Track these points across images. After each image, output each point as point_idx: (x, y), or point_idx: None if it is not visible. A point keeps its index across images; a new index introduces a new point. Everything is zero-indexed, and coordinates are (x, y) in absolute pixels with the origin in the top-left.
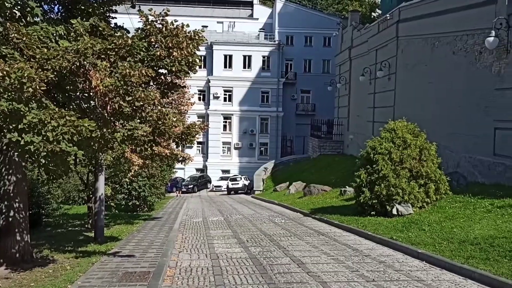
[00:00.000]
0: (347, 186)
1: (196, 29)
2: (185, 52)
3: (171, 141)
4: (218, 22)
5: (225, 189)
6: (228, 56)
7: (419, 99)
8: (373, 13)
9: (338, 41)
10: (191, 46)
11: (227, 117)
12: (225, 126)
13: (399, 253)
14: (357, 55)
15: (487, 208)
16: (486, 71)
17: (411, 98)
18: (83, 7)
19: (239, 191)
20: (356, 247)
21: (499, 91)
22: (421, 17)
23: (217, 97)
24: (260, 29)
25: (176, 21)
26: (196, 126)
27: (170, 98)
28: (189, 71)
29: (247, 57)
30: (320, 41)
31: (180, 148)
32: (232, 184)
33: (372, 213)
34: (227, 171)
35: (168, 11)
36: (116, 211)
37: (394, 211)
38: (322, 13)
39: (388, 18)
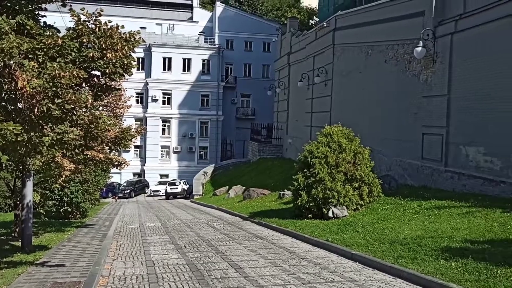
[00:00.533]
0: (285, 190)
1: (132, 31)
2: (120, 54)
3: (104, 145)
4: (157, 24)
5: (164, 194)
6: (167, 59)
7: (354, 105)
8: (311, 21)
9: (278, 47)
10: (126, 47)
11: (166, 121)
12: (164, 130)
13: (334, 254)
14: (296, 61)
15: (415, 210)
16: (415, 79)
17: (346, 103)
18: (9, 4)
19: (178, 196)
20: (293, 250)
21: (426, 98)
22: (356, 26)
23: (155, 100)
24: (200, 32)
25: (110, 21)
26: (132, 130)
27: (105, 101)
28: (124, 74)
29: (186, 60)
30: (260, 46)
31: (115, 152)
32: (170, 188)
33: (309, 216)
34: (166, 176)
35: (102, 11)
36: (46, 218)
37: (330, 214)
38: (262, 18)
39: (325, 25)
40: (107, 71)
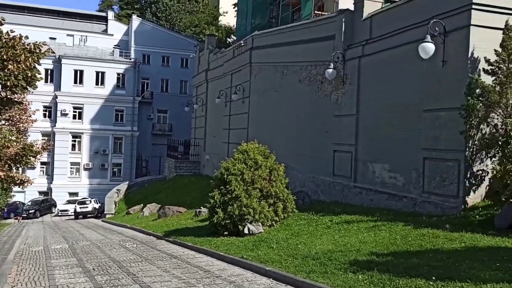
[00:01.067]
0: (202, 207)
1: (37, 42)
2: (23, 66)
3: (3, 163)
4: (68, 35)
5: (73, 214)
6: (79, 71)
7: (270, 122)
8: (228, 39)
9: (196, 63)
10: (30, 59)
11: (76, 136)
12: (74, 146)
13: (249, 271)
14: (214, 77)
15: (327, 224)
16: (327, 99)
17: (263, 121)
18: None
19: (88, 215)
20: (208, 268)
21: (337, 118)
22: (272, 46)
23: (65, 114)
24: (115, 45)
25: (13, 31)
26: (36, 146)
27: (7, 115)
28: (28, 87)
29: (100, 73)
30: (177, 62)
31: (16, 170)
32: (80, 207)
33: (225, 233)
34: (76, 194)
35: (3, 19)
36: None
37: (246, 230)
38: (180, 34)
39: (243, 44)
40: (8, 83)
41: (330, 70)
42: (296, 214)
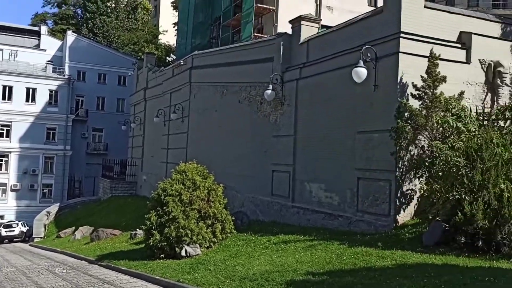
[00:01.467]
0: (138, 229)
1: None
2: None
3: None
4: None
5: None
6: (7, 87)
7: (210, 142)
8: (168, 58)
9: (134, 81)
10: None
11: (3, 155)
12: (0, 165)
13: None
14: (152, 96)
15: (265, 245)
16: (266, 120)
17: (203, 140)
18: None
19: (15, 239)
20: None
21: (276, 138)
22: (212, 66)
23: None
24: (48, 61)
25: None
26: None
27: None
28: None
29: (31, 89)
30: (114, 79)
31: None
32: (6, 231)
33: (161, 256)
34: (1, 217)
35: None
36: None
37: (183, 253)
38: (118, 51)
39: (182, 63)
40: None
41: (269, 91)
42: (234, 235)
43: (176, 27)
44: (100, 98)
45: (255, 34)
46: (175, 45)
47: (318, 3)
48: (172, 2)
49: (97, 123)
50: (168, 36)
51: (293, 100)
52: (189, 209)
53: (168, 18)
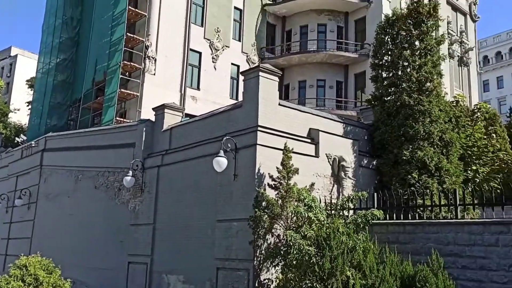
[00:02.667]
0: None
1: None
2: None
3: None
4: None
5: None
6: None
7: (60, 231)
8: (17, 138)
9: None
10: None
11: None
12: None
13: None
14: None
15: None
16: (124, 207)
17: (51, 229)
18: None
19: None
20: None
21: (134, 227)
22: (68, 149)
23: None
24: None
25: None
26: None
27: None
28: None
29: None
30: None
31: None
32: None
33: None
34: None
35: None
36: None
37: None
38: None
39: (34, 145)
40: None
41: (129, 178)
42: None
43: (30, 106)
44: None
45: (117, 118)
46: (27, 125)
47: (182, 92)
48: (27, 80)
49: None
50: (20, 115)
51: (153, 187)
52: None
53: (21, 96)
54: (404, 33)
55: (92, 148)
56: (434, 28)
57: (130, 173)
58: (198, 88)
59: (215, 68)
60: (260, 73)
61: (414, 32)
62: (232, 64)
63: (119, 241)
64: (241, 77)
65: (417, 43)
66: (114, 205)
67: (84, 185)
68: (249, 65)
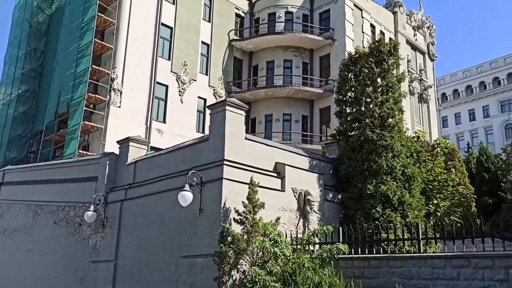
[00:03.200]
0: None
1: None
2: None
3: None
4: None
5: None
6: None
7: (17, 269)
8: None
9: None
10: None
11: None
12: None
13: None
14: None
15: None
16: (84, 243)
17: (6, 268)
18: None
19: None
20: None
21: (94, 263)
22: (26, 182)
23: None
24: None
25: None
26: None
27: None
28: None
29: None
30: None
31: None
32: None
33: None
34: None
35: None
36: None
37: None
38: None
39: None
40: None
41: (90, 213)
42: None
43: None
44: None
45: (80, 151)
46: None
47: (148, 125)
48: None
49: None
50: None
51: (116, 223)
52: None
53: None
54: (367, 71)
55: (52, 181)
56: (394, 66)
57: (92, 207)
58: (164, 121)
59: (181, 101)
60: (227, 107)
61: (376, 70)
62: (199, 97)
63: (79, 279)
64: (208, 111)
65: (379, 80)
66: (74, 241)
67: (43, 220)
68: (216, 98)
